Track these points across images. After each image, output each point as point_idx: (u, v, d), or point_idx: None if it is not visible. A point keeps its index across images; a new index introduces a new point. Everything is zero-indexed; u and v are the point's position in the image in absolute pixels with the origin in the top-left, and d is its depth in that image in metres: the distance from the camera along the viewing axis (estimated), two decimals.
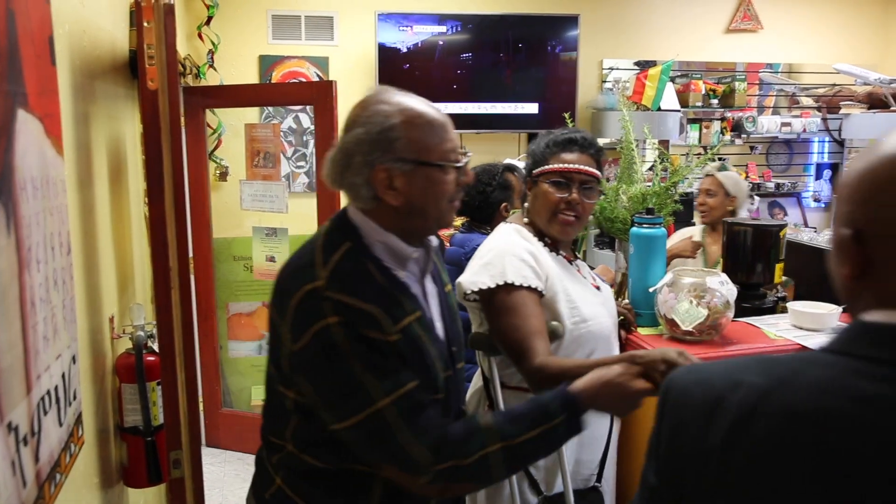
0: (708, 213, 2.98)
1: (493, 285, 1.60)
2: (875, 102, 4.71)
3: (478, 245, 2.34)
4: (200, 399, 4.01)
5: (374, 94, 1.27)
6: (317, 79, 4.28)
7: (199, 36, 3.99)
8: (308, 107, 4.17)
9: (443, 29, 4.32)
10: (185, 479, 1.88)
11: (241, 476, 3.68)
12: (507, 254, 1.64)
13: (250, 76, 4.23)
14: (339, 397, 1.17)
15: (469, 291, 1.64)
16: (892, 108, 4.62)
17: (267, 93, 3.93)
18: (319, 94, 3.58)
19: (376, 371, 1.16)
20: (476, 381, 1.85)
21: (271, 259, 3.85)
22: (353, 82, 4.32)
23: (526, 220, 1.78)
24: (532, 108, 4.45)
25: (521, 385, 1.67)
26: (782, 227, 2.24)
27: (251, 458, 3.81)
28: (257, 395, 4.19)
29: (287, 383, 1.25)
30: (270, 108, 4.29)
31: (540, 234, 1.74)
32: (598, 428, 1.75)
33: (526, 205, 1.78)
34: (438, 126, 1.26)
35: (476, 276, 1.64)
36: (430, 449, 1.17)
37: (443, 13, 4.31)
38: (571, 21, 4.45)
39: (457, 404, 1.40)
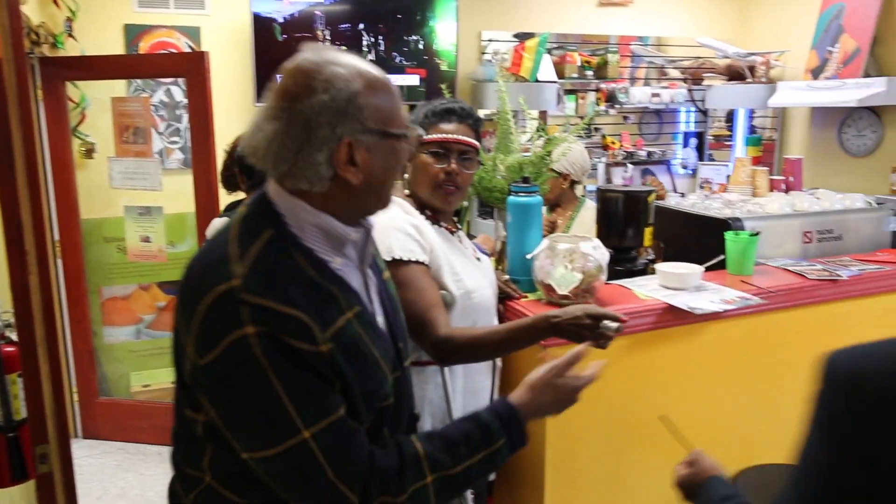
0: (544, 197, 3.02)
1: None
2: (734, 74, 5.01)
3: None
4: (75, 389, 3.81)
5: (316, 54, 1.09)
6: (188, 50, 4.08)
7: (55, 2, 3.71)
8: (180, 79, 3.98)
9: None
10: (53, 474, 1.78)
11: (123, 466, 3.54)
12: (390, 228, 1.62)
13: (115, 47, 3.97)
14: (254, 424, 1.01)
15: None
16: (748, 80, 4.93)
17: (134, 64, 3.72)
18: (191, 66, 3.42)
19: (301, 394, 0.99)
20: None
21: (146, 239, 3.68)
22: (228, 54, 4.15)
23: (406, 192, 1.77)
24: (413, 79, 4.43)
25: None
26: (650, 192, 2.35)
27: (133, 448, 3.70)
28: (137, 381, 4.02)
29: (195, 405, 1.07)
30: (139, 81, 4.06)
31: (421, 207, 1.74)
32: (482, 380, 1.79)
33: (406, 177, 1.77)
34: (395, 91, 1.15)
35: None
36: (359, 486, 1.03)
37: None
38: None
39: (409, 407, 1.27)
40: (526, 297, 1.98)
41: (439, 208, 1.75)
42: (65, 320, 3.71)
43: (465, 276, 1.72)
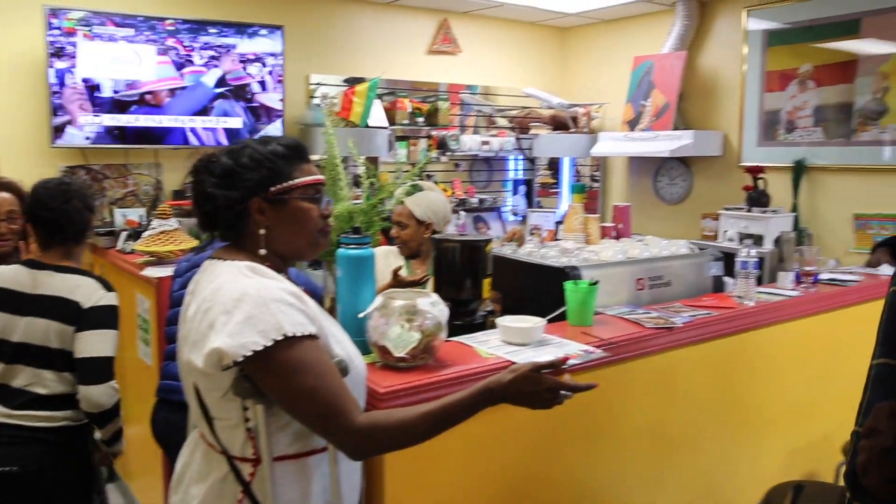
0: (404, 246, 2.77)
1: (269, 343, 1.25)
2: (558, 124, 5.20)
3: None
4: None
5: None
6: None
7: None
8: None
9: (130, 32, 3.84)
10: None
11: None
12: (269, 300, 1.28)
13: None
14: None
15: (240, 358, 1.24)
16: (571, 130, 5.13)
17: None
18: None
19: None
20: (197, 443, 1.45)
21: None
22: (18, 87, 3.67)
23: (262, 251, 1.41)
24: (236, 122, 4.15)
25: (286, 453, 1.36)
26: (488, 241, 2.26)
27: None
28: None
29: None
30: None
31: (277, 269, 1.43)
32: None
33: (262, 232, 1.41)
34: None
35: (240, 336, 1.25)
36: None
37: (125, 13, 3.84)
38: (275, 32, 4.24)
39: None
40: None
41: (310, 258, 1.52)
42: None
43: (346, 342, 1.46)
